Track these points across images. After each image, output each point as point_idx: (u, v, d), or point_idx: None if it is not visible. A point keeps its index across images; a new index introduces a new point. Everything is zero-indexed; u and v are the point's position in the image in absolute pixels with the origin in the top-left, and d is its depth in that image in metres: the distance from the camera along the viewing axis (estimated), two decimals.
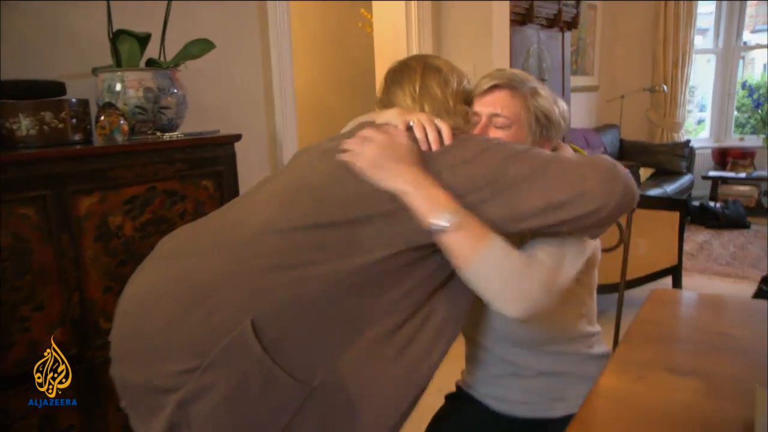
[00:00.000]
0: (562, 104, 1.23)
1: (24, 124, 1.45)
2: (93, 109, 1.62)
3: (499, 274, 0.92)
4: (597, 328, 1.33)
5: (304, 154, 1.13)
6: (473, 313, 1.22)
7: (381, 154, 0.97)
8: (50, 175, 1.36)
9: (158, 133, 1.67)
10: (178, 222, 1.62)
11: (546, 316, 1.18)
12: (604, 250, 1.58)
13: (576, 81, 5.25)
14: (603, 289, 1.52)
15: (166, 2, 1.76)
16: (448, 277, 1.01)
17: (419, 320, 0.98)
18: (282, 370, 0.87)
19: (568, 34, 4.29)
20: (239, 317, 0.88)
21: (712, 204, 5.46)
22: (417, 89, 1.15)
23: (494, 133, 1.15)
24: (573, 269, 1.03)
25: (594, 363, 1.28)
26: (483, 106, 1.17)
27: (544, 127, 1.18)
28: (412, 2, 3.34)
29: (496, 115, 1.15)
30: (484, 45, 3.37)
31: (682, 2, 5.84)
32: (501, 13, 3.33)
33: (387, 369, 0.95)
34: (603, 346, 1.33)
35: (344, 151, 1.01)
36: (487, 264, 0.92)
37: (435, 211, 0.92)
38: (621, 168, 1.01)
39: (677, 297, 1.61)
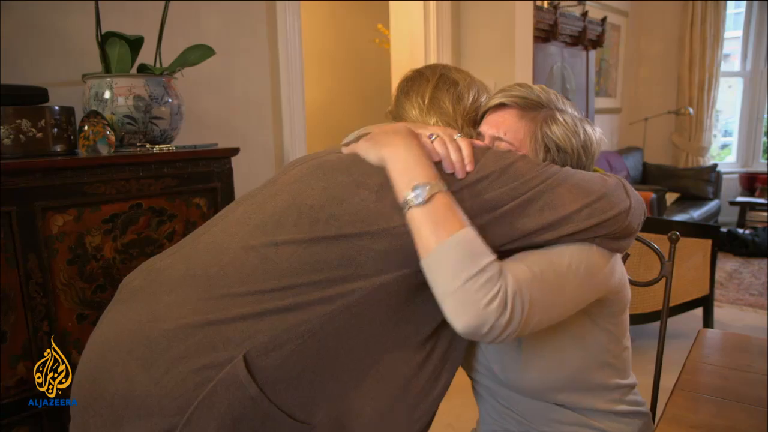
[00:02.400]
0: (590, 131, 1.05)
1: None
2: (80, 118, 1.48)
3: (452, 272, 0.77)
4: (630, 380, 1.12)
5: (295, 167, 0.99)
6: (471, 354, 1.11)
7: (377, 132, 0.90)
8: (16, 189, 1.20)
9: (148, 146, 1.51)
10: (165, 244, 1.46)
11: (547, 362, 1.02)
12: (645, 284, 1.41)
13: (598, 103, 5.09)
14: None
15: (164, 4, 1.62)
16: None
17: (425, 354, 0.90)
18: (281, 410, 0.78)
19: (592, 53, 4.14)
20: (223, 355, 0.77)
21: (740, 231, 5.22)
22: (426, 100, 1.05)
23: None
24: (564, 302, 0.87)
25: (622, 422, 1.09)
26: (488, 126, 1.04)
27: (556, 158, 1.02)
28: (431, 17, 3.21)
29: (499, 138, 1.02)
30: (506, 62, 3.21)
31: (708, 23, 5.68)
32: (524, 29, 3.18)
33: (390, 404, 0.87)
34: (637, 402, 1.13)
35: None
36: (443, 257, 0.78)
37: (408, 184, 0.82)
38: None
39: (731, 340, 1.41)
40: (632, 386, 1.12)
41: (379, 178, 0.86)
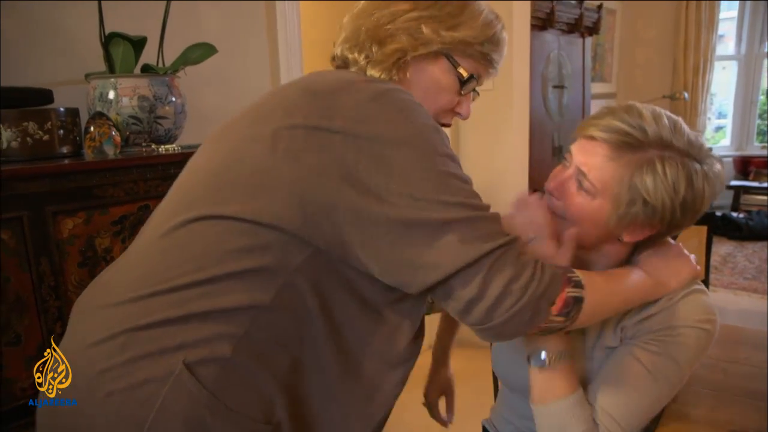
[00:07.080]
0: (699, 184, 0.84)
1: (5, 136, 1.32)
2: (85, 119, 1.48)
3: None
4: None
5: (228, 133, 0.88)
6: (511, 362, 1.09)
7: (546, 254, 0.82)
8: (27, 194, 1.21)
9: (153, 146, 1.53)
10: None
11: None
12: None
13: (594, 88, 5.08)
14: None
15: (165, 3, 1.62)
16: (401, 297, 0.82)
17: (381, 345, 0.83)
18: (239, 413, 0.72)
19: (588, 40, 4.13)
20: (162, 366, 0.71)
21: (734, 214, 5.27)
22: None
23: (577, 195, 0.89)
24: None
25: None
26: (578, 152, 0.90)
27: (640, 212, 0.85)
28: None
29: (583, 174, 0.87)
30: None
31: (704, 5, 5.67)
32: (522, 18, 3.17)
33: (348, 399, 0.82)
34: None
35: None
36: (554, 415, 0.90)
37: (539, 345, 0.91)
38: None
39: (728, 333, 1.44)
40: None
41: (274, 122, 0.76)
